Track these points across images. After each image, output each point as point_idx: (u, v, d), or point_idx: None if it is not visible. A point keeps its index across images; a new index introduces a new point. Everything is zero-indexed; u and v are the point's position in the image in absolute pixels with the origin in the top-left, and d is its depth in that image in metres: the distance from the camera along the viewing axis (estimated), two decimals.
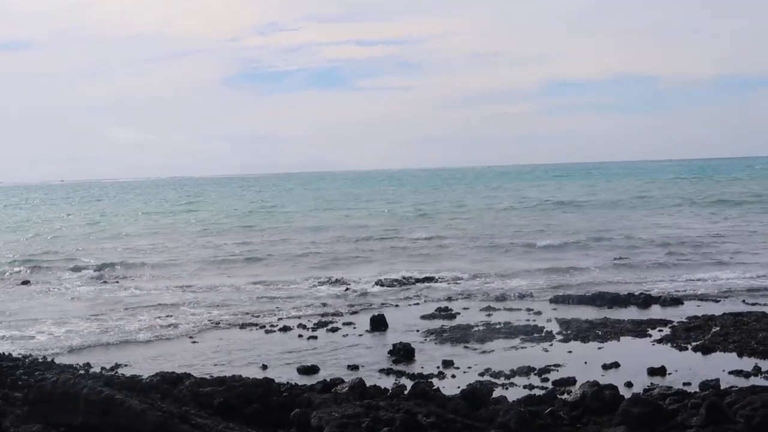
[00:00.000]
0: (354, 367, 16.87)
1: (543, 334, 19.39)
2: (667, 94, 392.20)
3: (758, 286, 25.21)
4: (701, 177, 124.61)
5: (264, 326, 21.54)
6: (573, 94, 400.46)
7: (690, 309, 21.91)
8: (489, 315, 22.31)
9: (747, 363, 15.73)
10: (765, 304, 21.89)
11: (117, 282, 31.30)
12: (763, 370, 15.06)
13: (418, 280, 29.04)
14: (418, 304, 24.71)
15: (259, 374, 15.65)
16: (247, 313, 23.58)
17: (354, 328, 21.20)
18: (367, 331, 20.78)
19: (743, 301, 22.84)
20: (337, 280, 29.65)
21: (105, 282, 31.48)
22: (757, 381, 14.42)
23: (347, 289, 27.67)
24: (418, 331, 20.38)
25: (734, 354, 16.58)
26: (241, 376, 14.37)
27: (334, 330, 20.96)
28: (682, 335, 18.41)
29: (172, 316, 23.36)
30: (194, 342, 20.05)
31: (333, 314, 23.23)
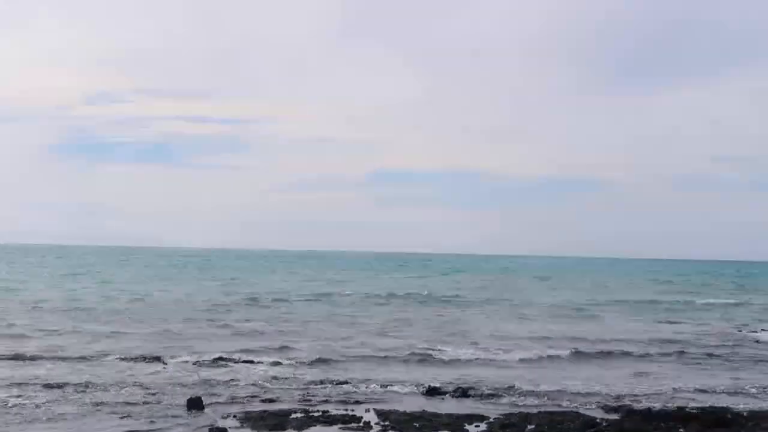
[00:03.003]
0: None
1: (361, 424, 19.26)
2: (493, 190, 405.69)
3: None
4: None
5: None
6: (400, 184, 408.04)
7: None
8: (308, 401, 22.05)
9: None
10: (580, 405, 22.34)
11: None
12: None
13: (236, 362, 28.55)
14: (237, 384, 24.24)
15: None
16: None
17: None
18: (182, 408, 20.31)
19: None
20: (155, 358, 28.79)
21: None
22: None
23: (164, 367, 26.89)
24: (235, 416, 19.93)
25: None
26: None
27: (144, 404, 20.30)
28: None
29: None
30: None
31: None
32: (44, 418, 19.28)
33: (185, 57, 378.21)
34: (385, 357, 30.54)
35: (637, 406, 22.05)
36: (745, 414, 20.71)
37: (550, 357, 31.79)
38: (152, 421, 19.19)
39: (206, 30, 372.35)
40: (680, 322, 49.10)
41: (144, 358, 28.53)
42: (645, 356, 32.96)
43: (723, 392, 25.12)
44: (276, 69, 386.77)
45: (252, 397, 22.53)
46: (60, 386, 22.86)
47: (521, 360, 30.90)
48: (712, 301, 69.40)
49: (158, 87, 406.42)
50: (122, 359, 28.24)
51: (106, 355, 29.08)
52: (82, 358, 28.26)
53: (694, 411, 20.71)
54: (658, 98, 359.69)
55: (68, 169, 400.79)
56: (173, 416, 19.77)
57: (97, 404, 20.82)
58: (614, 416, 20.60)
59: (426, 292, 71.30)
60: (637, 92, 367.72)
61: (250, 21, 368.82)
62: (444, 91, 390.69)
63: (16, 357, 27.98)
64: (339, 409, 20.96)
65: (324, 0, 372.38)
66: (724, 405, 22.17)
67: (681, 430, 18.92)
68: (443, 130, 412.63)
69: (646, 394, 24.35)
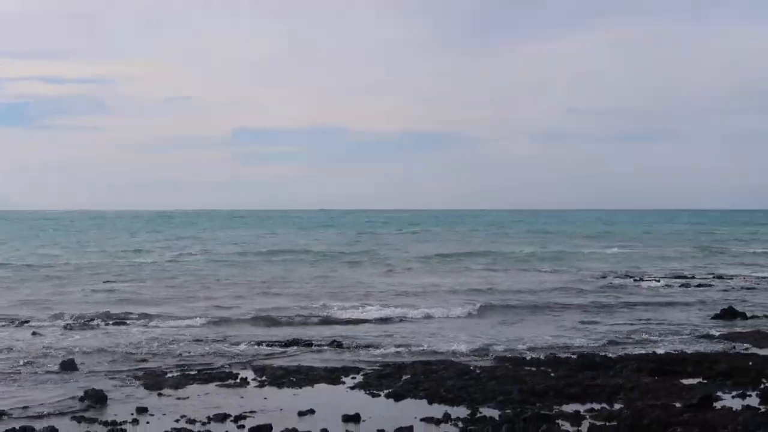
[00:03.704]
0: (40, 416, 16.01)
1: (238, 381, 19.28)
2: (354, 147, 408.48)
3: None
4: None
5: None
6: (263, 142, 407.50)
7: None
8: (181, 360, 21.95)
9: (437, 410, 16.30)
10: (452, 354, 22.79)
11: None
12: (452, 416, 15.65)
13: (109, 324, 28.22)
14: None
15: None
16: None
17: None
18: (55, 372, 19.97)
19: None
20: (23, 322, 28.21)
21: None
22: (448, 428, 15.08)
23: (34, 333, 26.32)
24: (111, 377, 19.69)
25: (425, 401, 17.18)
26: None
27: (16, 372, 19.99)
28: (375, 383, 18.86)
29: None
30: None
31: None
32: None
33: (40, 18, 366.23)
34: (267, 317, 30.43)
35: (509, 354, 22.67)
36: (612, 357, 21.54)
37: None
38: (20, 386, 18.80)
39: None
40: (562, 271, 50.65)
41: (12, 322, 27.98)
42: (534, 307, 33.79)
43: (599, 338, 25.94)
44: (133, 27, 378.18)
45: (127, 356, 22.34)
46: None
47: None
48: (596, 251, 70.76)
49: (12, 48, 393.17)
50: None
51: None
52: None
53: (564, 356, 21.53)
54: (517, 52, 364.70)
55: None
56: (47, 381, 19.42)
57: None
58: (487, 364, 21.14)
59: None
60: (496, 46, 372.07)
61: None
62: (306, 49, 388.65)
63: None
64: (216, 365, 21.02)
65: None
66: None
67: (552, 373, 19.51)
68: (306, 88, 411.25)
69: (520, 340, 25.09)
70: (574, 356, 21.66)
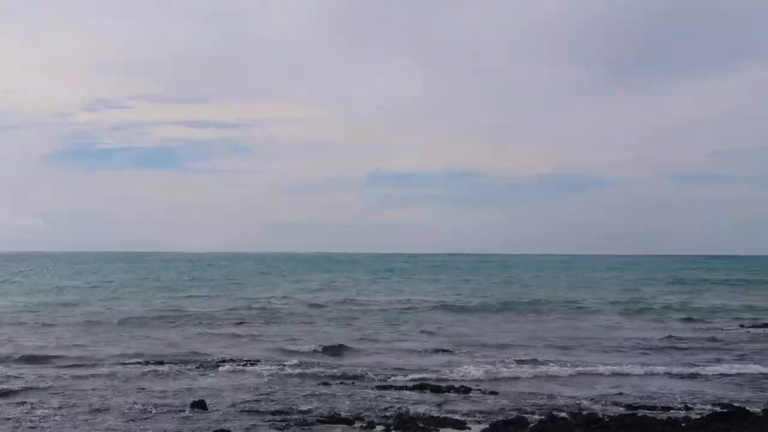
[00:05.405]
0: None
1: None
2: (491, 189, 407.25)
3: None
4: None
5: None
6: (400, 185, 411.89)
7: None
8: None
9: None
10: None
11: None
12: None
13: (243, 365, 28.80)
14: None
15: None
16: None
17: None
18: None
19: None
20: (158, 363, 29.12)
21: None
22: None
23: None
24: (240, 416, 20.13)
25: None
26: None
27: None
28: None
29: None
30: None
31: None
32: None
33: (184, 62, 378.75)
34: None
35: None
36: None
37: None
38: (157, 423, 19.42)
39: (204, 34, 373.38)
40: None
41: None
42: None
43: None
44: (275, 72, 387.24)
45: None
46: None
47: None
48: None
49: (155, 92, 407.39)
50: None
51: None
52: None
53: None
54: (658, 95, 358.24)
55: (68, 176, 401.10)
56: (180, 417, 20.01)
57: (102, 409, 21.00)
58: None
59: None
60: (636, 89, 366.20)
61: (248, 23, 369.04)
62: (444, 90, 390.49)
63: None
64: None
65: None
66: None
67: None
68: (443, 131, 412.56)
69: None
70: None
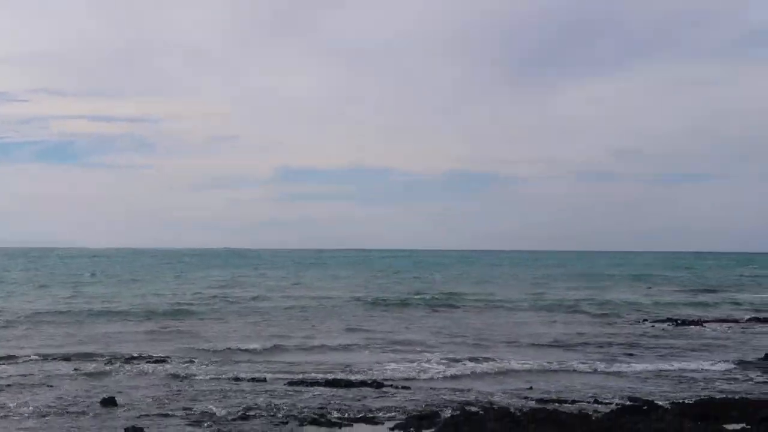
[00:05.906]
0: None
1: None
2: (399, 186, 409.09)
3: None
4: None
5: None
6: (307, 181, 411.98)
7: None
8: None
9: None
10: None
11: None
12: None
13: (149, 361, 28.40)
14: None
15: None
16: None
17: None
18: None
19: None
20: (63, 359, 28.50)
21: None
22: None
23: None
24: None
25: None
26: None
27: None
28: None
29: None
30: None
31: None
32: None
33: (88, 57, 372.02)
34: None
35: None
36: None
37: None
38: (67, 421, 19.01)
39: (109, 28, 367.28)
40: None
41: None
42: None
43: None
44: (180, 67, 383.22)
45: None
46: None
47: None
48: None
49: (57, 86, 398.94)
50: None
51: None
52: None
53: None
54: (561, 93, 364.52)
55: None
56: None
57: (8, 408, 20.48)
58: None
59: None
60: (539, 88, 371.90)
61: (154, 19, 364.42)
62: (352, 88, 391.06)
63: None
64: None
65: None
66: None
67: None
68: (350, 128, 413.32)
69: None
70: None
